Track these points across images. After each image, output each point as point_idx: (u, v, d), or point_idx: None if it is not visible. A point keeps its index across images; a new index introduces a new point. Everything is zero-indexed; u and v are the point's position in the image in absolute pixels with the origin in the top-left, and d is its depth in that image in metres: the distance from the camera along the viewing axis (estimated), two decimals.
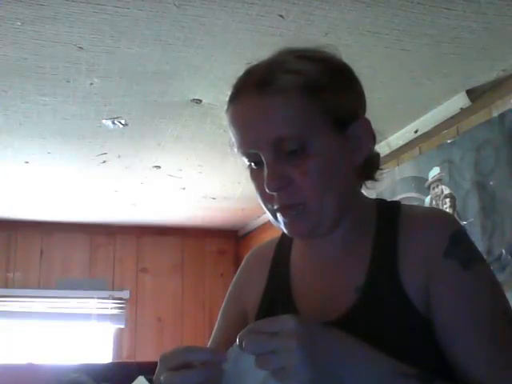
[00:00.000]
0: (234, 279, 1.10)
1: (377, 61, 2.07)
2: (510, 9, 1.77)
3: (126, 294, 4.52)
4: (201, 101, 2.38)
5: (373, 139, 0.94)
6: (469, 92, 2.30)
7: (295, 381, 0.72)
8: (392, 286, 0.87)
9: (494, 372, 0.81)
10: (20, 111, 2.46)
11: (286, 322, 0.74)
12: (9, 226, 4.32)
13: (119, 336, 4.48)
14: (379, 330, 0.84)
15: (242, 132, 0.89)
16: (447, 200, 2.42)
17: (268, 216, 0.93)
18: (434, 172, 2.50)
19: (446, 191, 2.43)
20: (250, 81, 0.89)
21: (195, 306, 4.63)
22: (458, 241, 0.87)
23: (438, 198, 2.47)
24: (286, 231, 0.91)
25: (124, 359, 4.37)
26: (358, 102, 0.94)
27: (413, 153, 2.68)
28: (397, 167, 2.75)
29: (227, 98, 0.92)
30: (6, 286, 4.31)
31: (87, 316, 4.40)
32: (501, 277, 2.03)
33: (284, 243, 1.05)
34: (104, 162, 3.11)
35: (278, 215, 0.90)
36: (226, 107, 0.92)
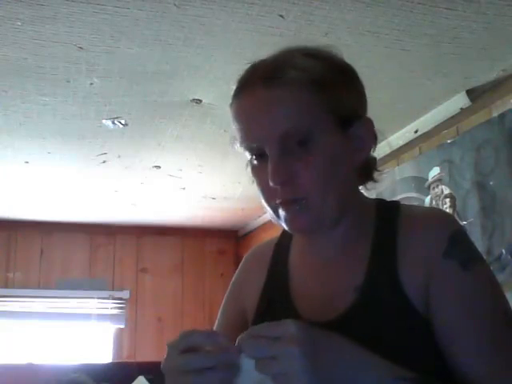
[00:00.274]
0: (234, 278, 1.10)
1: (377, 61, 2.07)
2: (510, 9, 1.77)
3: (125, 294, 4.52)
4: (201, 101, 2.38)
5: (375, 139, 0.94)
6: (469, 92, 2.30)
7: None
8: (391, 286, 0.86)
9: (494, 372, 0.81)
10: (20, 111, 2.45)
11: (287, 327, 0.74)
12: (9, 226, 4.31)
13: (119, 336, 4.48)
14: (378, 330, 0.84)
15: (247, 125, 0.89)
16: (447, 200, 2.42)
17: (268, 213, 0.92)
18: (434, 172, 2.50)
19: (446, 191, 2.43)
20: (257, 74, 0.89)
21: (195, 306, 4.63)
22: (457, 241, 0.87)
23: (438, 198, 2.47)
24: (286, 227, 0.91)
25: (124, 359, 4.36)
26: (360, 101, 0.94)
27: (413, 153, 2.68)
28: (397, 167, 2.75)
29: (232, 93, 0.91)
30: (6, 286, 4.31)
31: (87, 316, 4.39)
32: (501, 277, 2.02)
33: (283, 243, 1.05)
34: (104, 162, 3.11)
35: (280, 210, 0.89)
36: (230, 102, 0.92)
